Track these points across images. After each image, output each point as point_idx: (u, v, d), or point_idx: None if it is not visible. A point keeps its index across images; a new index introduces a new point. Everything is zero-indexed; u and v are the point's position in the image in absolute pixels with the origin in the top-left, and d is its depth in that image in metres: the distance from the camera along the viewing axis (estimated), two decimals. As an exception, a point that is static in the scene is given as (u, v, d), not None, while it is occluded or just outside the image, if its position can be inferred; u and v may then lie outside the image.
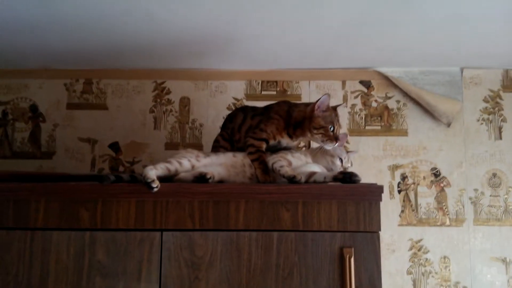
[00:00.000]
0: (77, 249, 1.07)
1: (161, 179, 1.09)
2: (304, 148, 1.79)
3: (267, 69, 1.90)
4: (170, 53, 1.74)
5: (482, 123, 1.85)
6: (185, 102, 1.91)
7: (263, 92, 1.91)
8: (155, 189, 1.01)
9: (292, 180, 1.10)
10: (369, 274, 1.04)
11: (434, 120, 1.84)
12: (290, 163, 1.22)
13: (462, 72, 1.85)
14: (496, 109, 1.85)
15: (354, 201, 1.05)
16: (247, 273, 1.05)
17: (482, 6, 1.32)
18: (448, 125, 1.82)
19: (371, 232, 1.04)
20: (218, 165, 1.22)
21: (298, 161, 1.25)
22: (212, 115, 1.90)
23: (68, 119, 1.90)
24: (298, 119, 1.31)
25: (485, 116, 1.85)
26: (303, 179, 1.12)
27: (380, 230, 1.04)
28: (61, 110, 1.91)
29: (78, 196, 1.07)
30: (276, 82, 1.91)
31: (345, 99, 1.88)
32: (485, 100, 1.86)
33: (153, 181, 1.01)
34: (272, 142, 1.30)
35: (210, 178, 1.09)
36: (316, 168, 1.24)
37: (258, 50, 1.70)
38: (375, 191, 1.04)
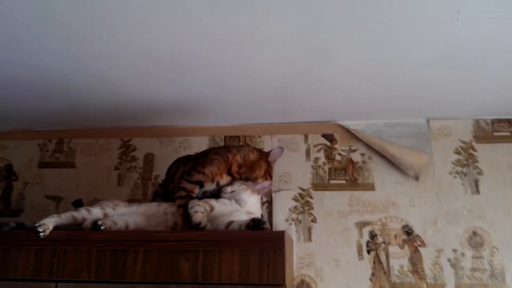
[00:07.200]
0: (-26, 301, 1.03)
1: (68, 227, 1.07)
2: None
3: (230, 124, 1.91)
4: (133, 112, 1.80)
5: (455, 176, 1.71)
6: (149, 159, 1.93)
7: (226, 148, 1.90)
8: (42, 235, 0.98)
9: (196, 226, 1.04)
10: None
11: (402, 173, 1.73)
12: (212, 208, 1.16)
13: (428, 123, 1.77)
14: (470, 161, 1.72)
15: (258, 250, 0.96)
16: (144, 332, 0.95)
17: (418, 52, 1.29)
18: (416, 178, 1.70)
19: (275, 285, 0.93)
20: (137, 214, 1.18)
21: (223, 206, 1.19)
22: (175, 171, 1.88)
23: (38, 177, 1.95)
24: (252, 159, 1.30)
25: (459, 168, 1.72)
26: (208, 227, 1.05)
27: (285, 283, 0.93)
28: (33, 169, 1.97)
29: (-20, 244, 1.06)
30: (239, 137, 1.90)
31: (308, 153, 1.83)
32: (457, 152, 1.74)
33: (39, 225, 0.98)
34: (208, 184, 1.25)
35: (102, 225, 1.04)
36: (242, 215, 1.17)
37: (218, 108, 1.74)
38: (278, 237, 0.95)
